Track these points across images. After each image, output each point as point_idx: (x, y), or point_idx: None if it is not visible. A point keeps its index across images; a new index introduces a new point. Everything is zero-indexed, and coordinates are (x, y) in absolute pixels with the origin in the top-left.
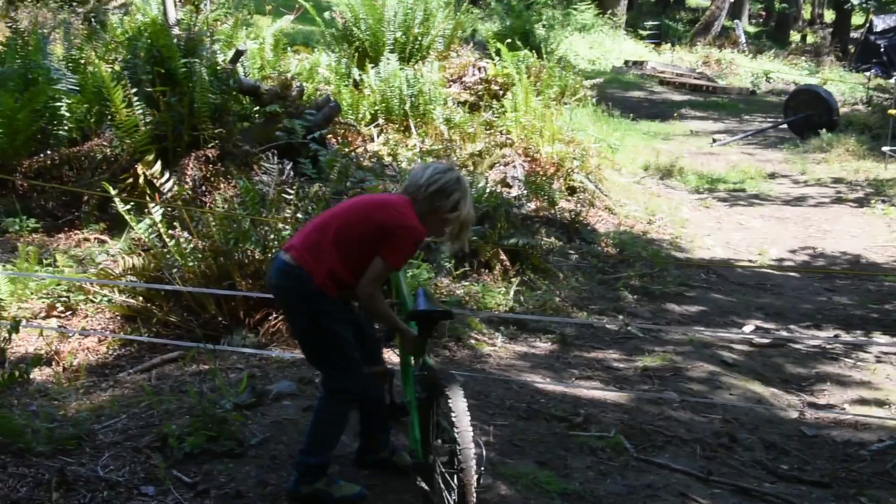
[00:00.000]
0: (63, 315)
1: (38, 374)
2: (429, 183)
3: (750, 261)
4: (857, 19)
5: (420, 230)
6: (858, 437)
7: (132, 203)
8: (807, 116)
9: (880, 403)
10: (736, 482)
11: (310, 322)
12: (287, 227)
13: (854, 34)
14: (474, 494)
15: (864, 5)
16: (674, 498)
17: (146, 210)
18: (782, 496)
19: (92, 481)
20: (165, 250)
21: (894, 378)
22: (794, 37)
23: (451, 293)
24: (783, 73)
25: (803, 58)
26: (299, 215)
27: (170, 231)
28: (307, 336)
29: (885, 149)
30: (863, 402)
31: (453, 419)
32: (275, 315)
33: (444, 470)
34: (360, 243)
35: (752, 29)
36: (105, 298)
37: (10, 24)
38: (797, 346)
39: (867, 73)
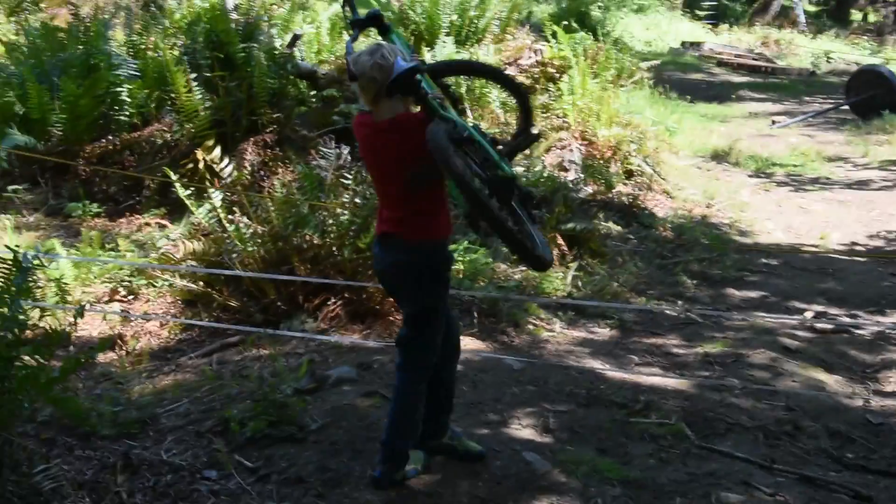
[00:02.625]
0: (125, 299)
1: (102, 358)
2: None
3: (812, 245)
4: None
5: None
6: None
7: (192, 188)
8: (869, 97)
9: None
10: (800, 470)
11: (432, 280)
12: (346, 211)
13: None
14: None
15: None
16: (736, 486)
17: (206, 195)
18: (848, 485)
19: (155, 465)
20: (225, 235)
21: None
22: (856, 15)
23: (509, 278)
24: (844, 53)
25: (865, 37)
26: (357, 200)
27: (229, 216)
28: (428, 297)
29: None
30: None
31: None
32: (333, 300)
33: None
34: (415, 174)
35: (811, 8)
36: (166, 283)
37: (71, 11)
38: (861, 332)
39: None
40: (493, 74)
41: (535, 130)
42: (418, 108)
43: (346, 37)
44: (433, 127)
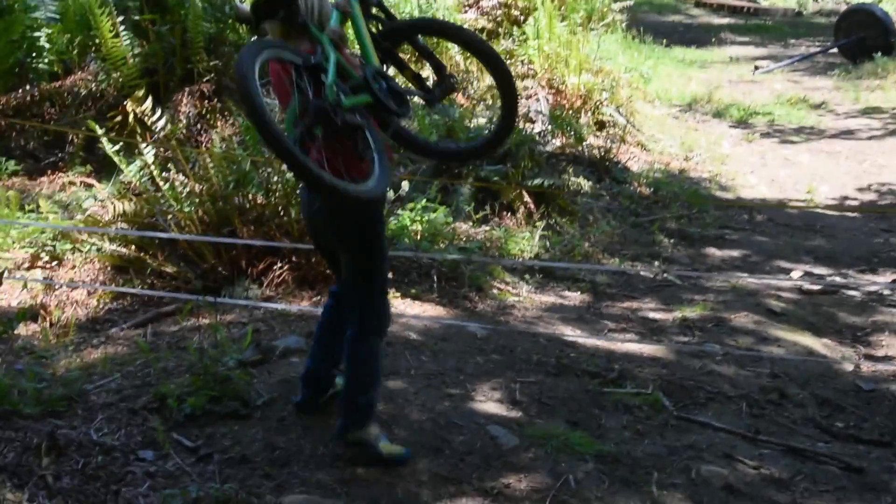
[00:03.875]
0: (49, 266)
1: (23, 330)
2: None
3: (798, 200)
4: None
5: None
6: None
7: (121, 143)
8: (860, 39)
9: None
10: (786, 442)
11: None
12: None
13: None
14: None
15: None
16: (718, 459)
17: (137, 151)
18: (838, 456)
19: (85, 445)
20: (159, 195)
21: None
22: None
23: (471, 238)
24: None
25: None
26: None
27: (163, 174)
28: (369, 237)
29: None
30: None
31: None
32: (279, 265)
33: None
34: None
35: None
36: (94, 247)
37: None
38: (851, 292)
39: None
40: (465, 38)
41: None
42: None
43: None
44: (245, 55)
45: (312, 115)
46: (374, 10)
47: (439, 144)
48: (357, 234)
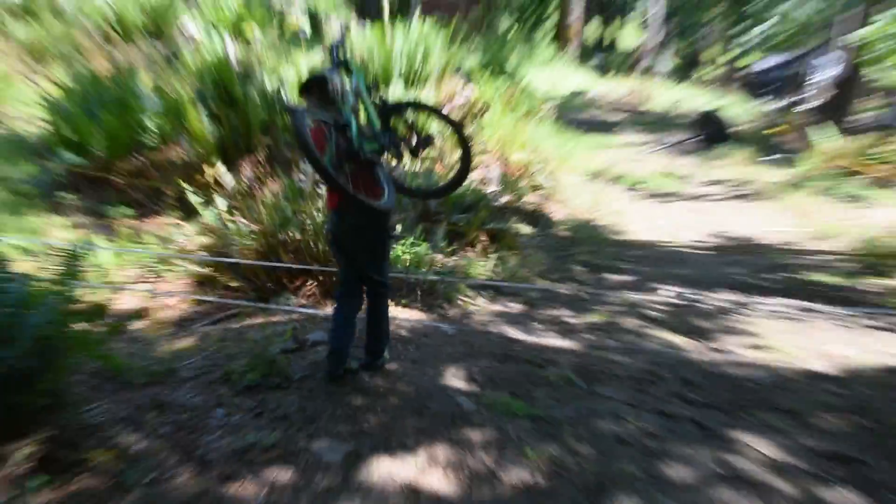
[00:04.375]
0: (151, 280)
1: (134, 326)
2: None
3: (668, 241)
4: (745, 61)
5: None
6: (748, 373)
7: (202, 196)
8: (709, 133)
9: (764, 348)
10: (658, 407)
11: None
12: (319, 213)
13: (743, 73)
14: None
15: (750, 50)
16: (612, 419)
17: (212, 201)
18: (692, 418)
19: (177, 405)
20: (228, 232)
21: (775, 329)
22: (700, 72)
23: (444, 265)
24: (693, 98)
25: (706, 88)
26: None
27: (231, 217)
28: (385, 244)
29: (766, 157)
30: (752, 347)
31: None
32: (310, 282)
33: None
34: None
35: (670, 65)
36: (182, 268)
37: (110, 61)
38: (702, 305)
39: (752, 102)
40: (437, 113)
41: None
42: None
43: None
44: (296, 118)
45: (344, 155)
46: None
47: (414, 186)
48: (377, 242)
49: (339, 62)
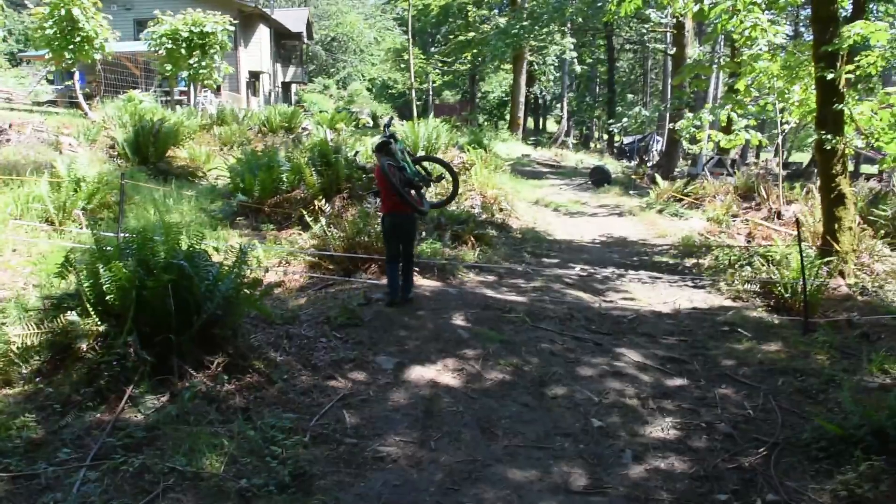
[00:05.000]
0: (285, 265)
1: (275, 292)
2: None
3: (578, 239)
4: (617, 137)
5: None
6: (623, 313)
7: (312, 217)
8: (598, 178)
9: (632, 299)
10: (574, 334)
11: (415, 227)
12: (377, 226)
13: (616, 144)
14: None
15: (619, 132)
16: (547, 342)
17: (319, 220)
18: (592, 339)
19: (299, 336)
20: (327, 237)
21: (637, 288)
22: (592, 144)
23: (448, 255)
24: (587, 159)
25: (596, 153)
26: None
27: (329, 229)
28: (414, 233)
29: (630, 192)
30: (624, 298)
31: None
32: (373, 266)
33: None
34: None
35: (574, 140)
36: (302, 258)
37: (262, 142)
38: (597, 275)
39: (622, 161)
40: (441, 162)
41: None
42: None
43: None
44: (380, 160)
45: (406, 182)
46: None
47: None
48: (411, 234)
49: (390, 134)
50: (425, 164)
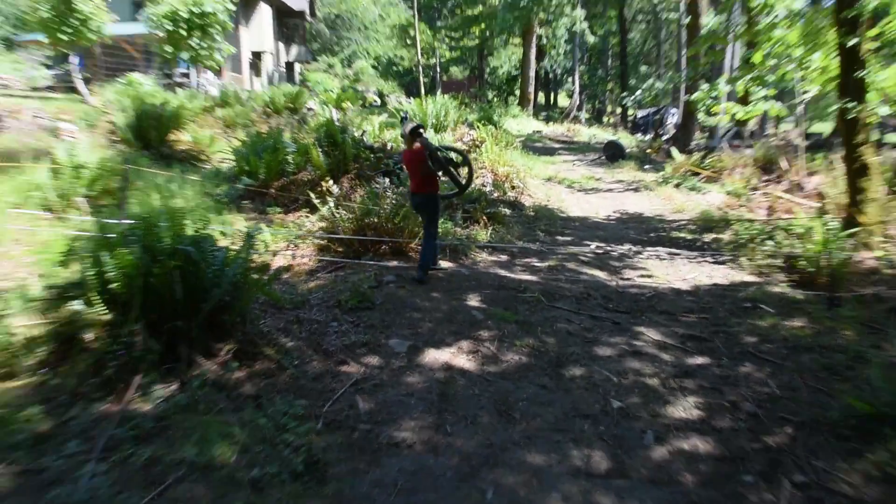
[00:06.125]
0: (293, 248)
1: (284, 276)
2: (403, 134)
3: (593, 216)
4: (630, 111)
5: (421, 148)
6: (640, 291)
7: (320, 199)
8: (612, 153)
9: (649, 276)
10: (590, 313)
11: (437, 207)
12: (387, 206)
13: (630, 117)
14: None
15: (632, 105)
16: (564, 322)
17: (326, 202)
18: (610, 318)
19: (310, 320)
20: (335, 219)
21: (655, 265)
22: (605, 118)
23: (461, 234)
24: (601, 134)
25: (610, 128)
26: (394, 201)
27: (337, 210)
28: (435, 212)
29: (645, 167)
30: (642, 276)
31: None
32: (384, 247)
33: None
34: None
35: (587, 115)
36: (310, 241)
37: (267, 123)
38: (613, 252)
39: (636, 135)
40: (457, 151)
41: (466, 176)
42: (418, 144)
43: (388, 132)
44: (426, 143)
45: (444, 162)
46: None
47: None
48: (433, 211)
49: (416, 124)
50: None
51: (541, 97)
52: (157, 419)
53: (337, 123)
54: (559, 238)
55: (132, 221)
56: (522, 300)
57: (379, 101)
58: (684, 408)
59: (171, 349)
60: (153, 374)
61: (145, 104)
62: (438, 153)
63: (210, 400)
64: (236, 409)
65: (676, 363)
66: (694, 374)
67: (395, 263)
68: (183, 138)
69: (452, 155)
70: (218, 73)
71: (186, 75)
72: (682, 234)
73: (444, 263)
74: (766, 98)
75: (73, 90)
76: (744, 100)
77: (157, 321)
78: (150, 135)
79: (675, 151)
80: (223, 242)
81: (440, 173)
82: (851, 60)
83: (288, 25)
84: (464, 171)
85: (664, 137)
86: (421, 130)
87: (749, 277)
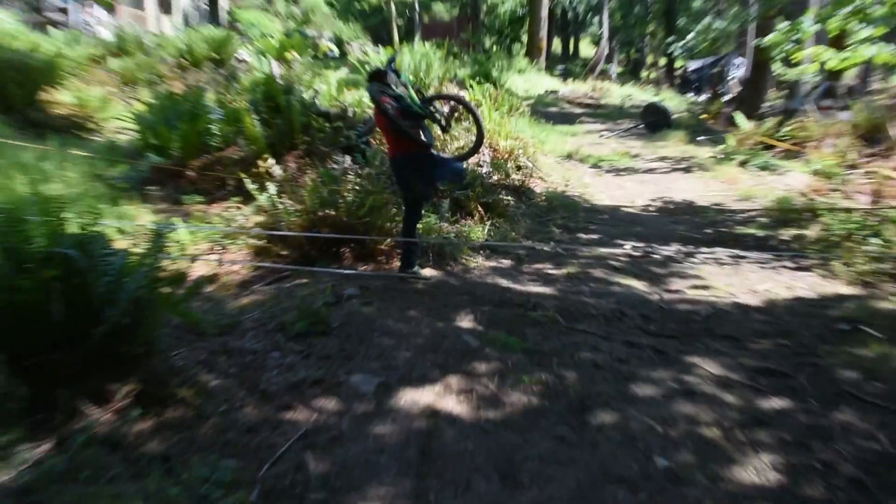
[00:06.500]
0: (219, 252)
1: (207, 289)
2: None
3: (626, 206)
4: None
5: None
6: (693, 308)
7: (257, 184)
8: (654, 120)
9: (705, 287)
10: (625, 338)
11: (417, 170)
12: (349, 194)
13: (677, 72)
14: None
15: (682, 54)
16: (588, 349)
17: (265, 188)
18: (651, 345)
19: (242, 350)
20: (278, 211)
21: (713, 273)
22: (644, 73)
23: (449, 231)
24: (638, 94)
25: (650, 85)
26: (357, 187)
27: (280, 200)
28: (414, 177)
29: (699, 138)
30: (695, 287)
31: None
32: (345, 248)
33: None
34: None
35: (619, 69)
36: (243, 241)
37: (184, 82)
38: (655, 256)
39: (687, 95)
40: (458, 99)
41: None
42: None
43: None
44: (372, 94)
45: (405, 113)
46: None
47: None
48: (410, 175)
49: (390, 61)
50: (436, 103)
51: (556, 45)
52: (21, 493)
53: (279, 81)
54: (581, 236)
55: None
56: (532, 321)
57: (336, 51)
58: (757, 470)
59: (45, 393)
60: (16, 429)
61: (3, 49)
62: (399, 100)
63: (99, 463)
64: (137, 476)
65: (744, 407)
66: (770, 422)
67: (360, 270)
68: (61, 99)
69: (444, 108)
70: (111, 8)
71: (64, 11)
72: (751, 230)
73: (425, 271)
74: (870, 40)
75: None
76: (838, 43)
77: (24, 354)
78: (11, 93)
79: (740, 117)
80: (121, 244)
81: (408, 126)
82: None
83: None
84: (455, 128)
85: (725, 98)
86: (387, 71)
87: (846, 289)
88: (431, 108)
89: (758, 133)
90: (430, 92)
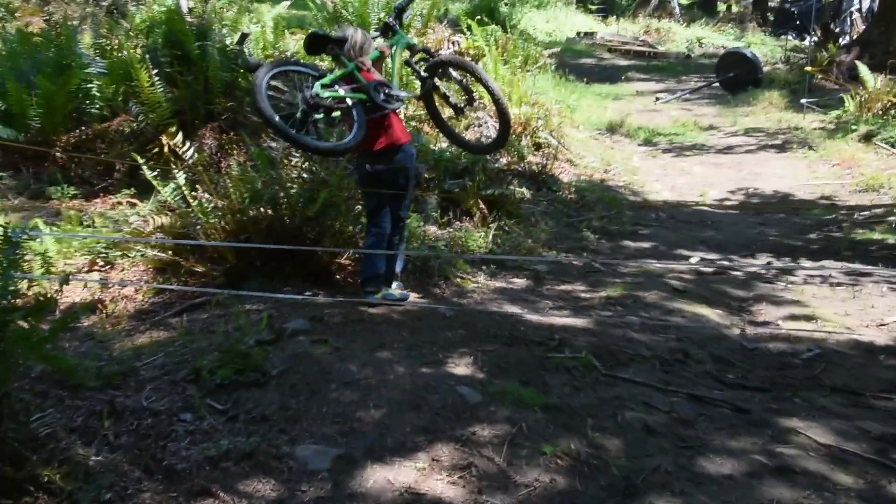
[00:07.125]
0: (103, 269)
1: (85, 322)
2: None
3: (693, 201)
4: None
5: None
6: (791, 348)
7: (158, 170)
8: (735, 75)
9: (808, 318)
10: (690, 391)
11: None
12: (294, 185)
13: (772, 3)
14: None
15: None
16: (638, 406)
17: (171, 175)
18: (730, 401)
19: (137, 410)
20: (189, 210)
21: (819, 297)
22: (721, 7)
23: (438, 238)
24: (713, 38)
25: (729, 25)
26: (304, 175)
27: (193, 193)
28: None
29: (802, 101)
30: (793, 318)
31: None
32: (287, 263)
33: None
34: None
35: (684, 1)
36: (139, 254)
37: (44, 18)
38: (736, 272)
39: (784, 37)
40: (474, 73)
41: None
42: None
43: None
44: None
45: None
46: (420, 55)
47: (466, 140)
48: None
49: (389, 26)
50: (451, 73)
51: None
52: None
53: (189, 21)
54: (628, 244)
55: None
56: (556, 366)
57: None
58: None
59: None
60: None
61: None
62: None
63: None
64: None
65: (868, 492)
66: None
67: (310, 294)
68: None
69: (454, 76)
70: None
71: None
72: (877, 235)
73: (399, 292)
74: None
75: None
76: None
77: None
78: None
79: (863, 69)
80: None
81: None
82: None
83: None
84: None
85: (841, 43)
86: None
87: None
88: (445, 82)
89: (892, 93)
90: (408, 31)
